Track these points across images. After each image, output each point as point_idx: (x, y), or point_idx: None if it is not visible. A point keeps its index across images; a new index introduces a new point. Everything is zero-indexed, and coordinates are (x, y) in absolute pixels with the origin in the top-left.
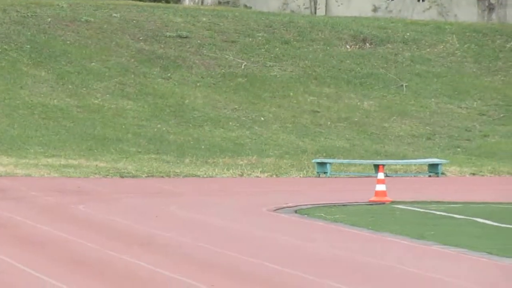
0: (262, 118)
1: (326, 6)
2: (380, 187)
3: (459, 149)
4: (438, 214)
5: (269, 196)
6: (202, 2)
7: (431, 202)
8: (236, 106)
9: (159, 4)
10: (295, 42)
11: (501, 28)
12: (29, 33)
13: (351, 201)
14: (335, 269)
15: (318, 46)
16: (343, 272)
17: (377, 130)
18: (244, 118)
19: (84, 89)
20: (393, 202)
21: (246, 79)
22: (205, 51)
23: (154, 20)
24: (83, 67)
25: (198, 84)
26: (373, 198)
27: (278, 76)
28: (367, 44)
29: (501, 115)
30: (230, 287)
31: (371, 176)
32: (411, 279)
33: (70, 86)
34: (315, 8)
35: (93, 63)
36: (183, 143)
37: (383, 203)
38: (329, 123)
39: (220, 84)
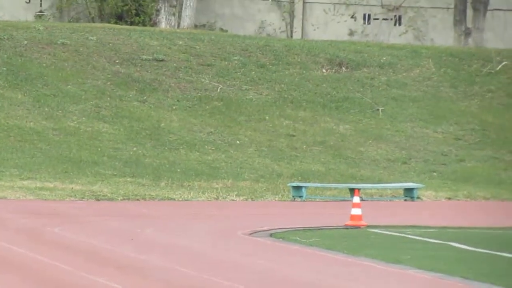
0: (238, 142)
1: (302, 30)
2: (356, 211)
3: (435, 174)
4: (413, 239)
5: (244, 219)
6: (178, 26)
7: (406, 227)
8: (212, 130)
9: (135, 27)
10: (271, 66)
11: (477, 53)
12: (5, 55)
13: (327, 225)
14: None
15: (294, 70)
16: None
17: (353, 154)
18: (219, 142)
19: (60, 111)
20: (368, 226)
21: (222, 102)
22: (181, 75)
23: (130, 43)
24: (59, 89)
25: (174, 107)
26: (349, 222)
27: (254, 100)
28: (343, 68)
29: (477, 140)
30: None
31: (346, 200)
32: None
33: (46, 109)
34: (291, 32)
35: (69, 86)
36: (159, 166)
37: (359, 227)
38: (304, 147)
39: (196, 108)
